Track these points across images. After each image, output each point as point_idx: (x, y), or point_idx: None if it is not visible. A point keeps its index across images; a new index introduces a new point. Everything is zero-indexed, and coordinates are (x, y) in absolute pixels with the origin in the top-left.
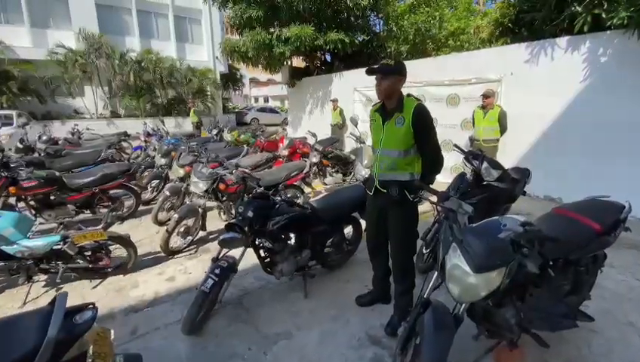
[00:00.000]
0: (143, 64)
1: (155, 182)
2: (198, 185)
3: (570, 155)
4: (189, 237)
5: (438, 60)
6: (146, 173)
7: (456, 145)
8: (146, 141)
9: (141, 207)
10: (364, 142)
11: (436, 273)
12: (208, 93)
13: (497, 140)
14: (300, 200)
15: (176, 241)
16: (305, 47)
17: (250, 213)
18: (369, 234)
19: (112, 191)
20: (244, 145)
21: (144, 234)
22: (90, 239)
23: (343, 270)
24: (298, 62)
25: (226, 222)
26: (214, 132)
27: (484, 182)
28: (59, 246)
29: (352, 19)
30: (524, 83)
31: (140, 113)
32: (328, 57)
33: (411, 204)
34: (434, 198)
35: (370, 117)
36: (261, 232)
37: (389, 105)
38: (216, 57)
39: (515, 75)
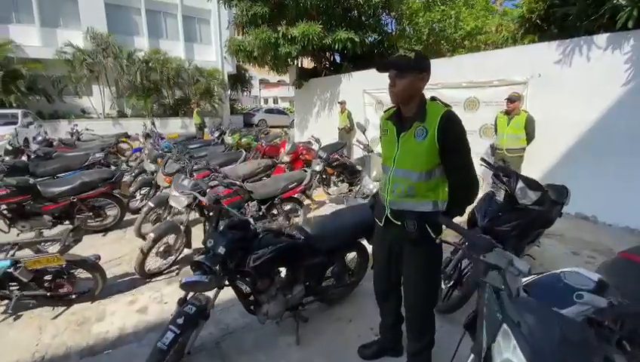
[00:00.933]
0: (150, 64)
1: (145, 190)
2: (179, 200)
3: (606, 168)
4: (171, 258)
5: (455, 60)
6: (139, 179)
7: (483, 159)
8: (145, 143)
9: (129, 216)
10: (372, 151)
11: None
12: (215, 93)
13: (523, 150)
14: (299, 215)
15: (155, 262)
16: (312, 47)
17: (221, 250)
18: (377, 275)
19: (98, 199)
20: (243, 151)
21: (127, 248)
22: (45, 264)
23: (344, 305)
24: (307, 63)
25: (193, 260)
26: (216, 134)
27: (519, 205)
28: (10, 271)
29: (363, 18)
30: (554, 86)
31: (147, 113)
32: (337, 58)
33: (434, 242)
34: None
35: (382, 126)
36: (238, 272)
37: (407, 112)
38: (225, 57)
39: (544, 76)
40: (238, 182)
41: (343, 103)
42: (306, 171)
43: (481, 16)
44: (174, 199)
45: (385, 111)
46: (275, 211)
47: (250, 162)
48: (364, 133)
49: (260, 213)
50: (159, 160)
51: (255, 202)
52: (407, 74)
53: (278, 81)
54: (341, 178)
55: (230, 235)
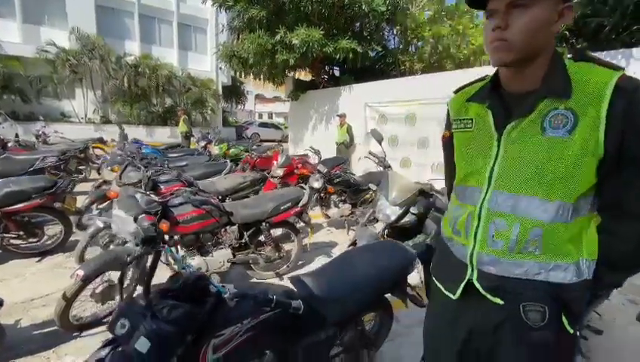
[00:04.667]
0: (139, 69)
1: (105, 204)
2: (124, 225)
3: None
4: (112, 302)
5: (472, 72)
6: (98, 190)
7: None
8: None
9: (78, 237)
10: (389, 167)
11: None
12: (208, 104)
13: None
14: (293, 245)
15: (89, 308)
16: (312, 54)
17: (141, 345)
18: None
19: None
20: (228, 161)
21: (63, 280)
22: None
23: None
24: (304, 75)
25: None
26: (202, 143)
27: None
28: None
29: (367, 29)
30: None
31: (134, 120)
32: (336, 72)
33: (568, 338)
34: None
35: (455, 115)
36: None
37: (522, 82)
38: (220, 68)
39: None
40: (212, 200)
41: (342, 116)
42: (303, 188)
43: None
44: (119, 222)
45: (460, 90)
46: (261, 238)
47: (234, 175)
48: (380, 144)
49: (242, 242)
50: (117, 167)
51: (235, 227)
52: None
53: (274, 97)
54: (343, 197)
55: (164, 314)
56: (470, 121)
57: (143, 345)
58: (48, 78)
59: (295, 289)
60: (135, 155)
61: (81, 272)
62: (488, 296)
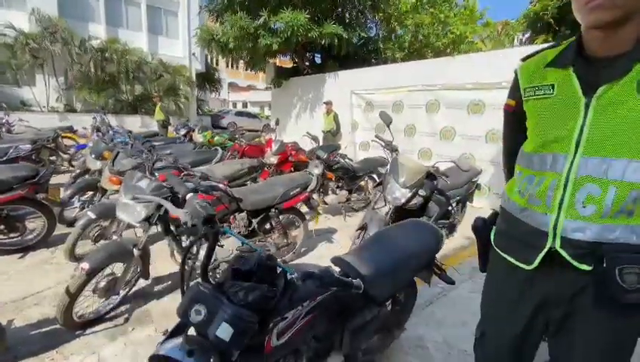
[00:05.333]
0: (106, 54)
1: (88, 195)
2: (133, 210)
3: None
4: (116, 297)
5: (461, 59)
6: (80, 181)
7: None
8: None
9: (63, 230)
10: (396, 150)
11: None
12: (181, 91)
13: None
14: (299, 231)
15: (91, 303)
16: (297, 39)
17: (223, 332)
18: (496, 355)
19: (17, 206)
20: (219, 148)
21: (53, 277)
22: None
23: None
24: (285, 63)
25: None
26: (182, 131)
27: None
28: None
29: (351, 14)
30: None
31: (100, 111)
32: (318, 59)
33: None
34: None
35: (527, 83)
36: (250, 357)
37: (611, 45)
38: (193, 54)
39: None
40: (221, 186)
41: (329, 104)
42: (310, 174)
43: (469, 21)
44: (125, 209)
45: (528, 58)
46: (267, 226)
47: (230, 162)
48: (388, 127)
49: (250, 229)
50: (107, 153)
51: (244, 213)
52: None
53: (248, 86)
54: (340, 184)
55: (240, 297)
56: (550, 87)
57: (225, 331)
58: (6, 63)
59: (339, 270)
60: (128, 142)
61: (86, 265)
62: (574, 263)
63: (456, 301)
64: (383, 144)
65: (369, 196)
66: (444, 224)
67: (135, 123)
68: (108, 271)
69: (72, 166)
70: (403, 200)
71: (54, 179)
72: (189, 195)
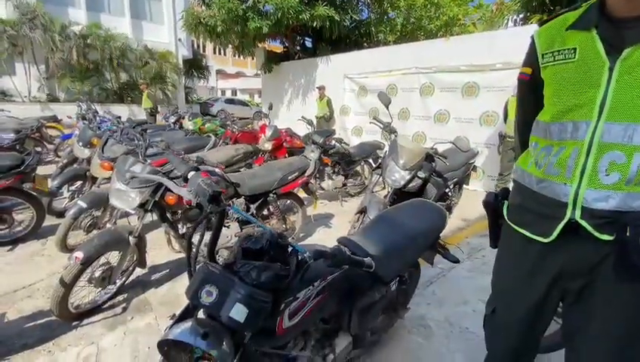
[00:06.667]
0: (89, 40)
1: (76, 184)
2: (127, 197)
3: None
4: (112, 287)
5: (454, 41)
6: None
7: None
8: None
9: (52, 221)
10: (395, 132)
11: None
12: (168, 79)
13: None
14: (297, 216)
15: (87, 293)
16: (287, 22)
17: (237, 313)
18: (505, 326)
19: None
20: (212, 135)
21: (44, 270)
22: None
23: (389, 346)
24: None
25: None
26: (172, 119)
27: None
28: None
29: None
30: None
31: (86, 98)
32: (308, 44)
33: None
34: None
35: (546, 48)
36: (260, 343)
37: (636, 5)
38: (179, 39)
39: None
40: (217, 170)
41: (322, 89)
42: (306, 158)
43: (463, 3)
44: (118, 195)
45: (546, 22)
46: (265, 211)
47: (224, 148)
48: (387, 108)
49: (249, 214)
50: (95, 140)
51: (242, 199)
52: None
53: (237, 73)
54: (336, 169)
55: (253, 277)
56: (572, 51)
57: (239, 312)
58: None
59: (347, 250)
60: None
61: (80, 254)
62: (595, 234)
63: (455, 280)
64: (382, 126)
65: (365, 181)
66: (442, 206)
67: (122, 112)
68: (103, 260)
69: (59, 156)
70: (403, 183)
71: (40, 170)
72: (191, 173)
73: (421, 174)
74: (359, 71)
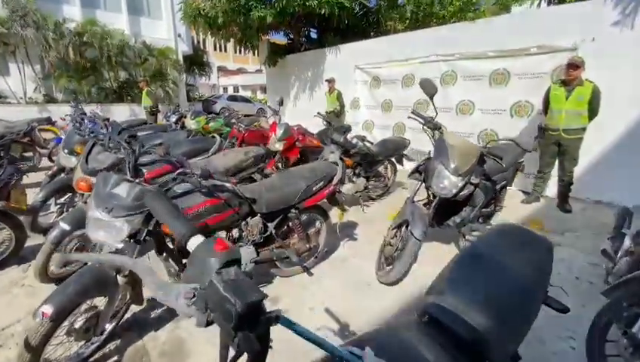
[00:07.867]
0: (85, 38)
1: (65, 197)
2: (111, 228)
3: None
4: (95, 339)
5: (480, 24)
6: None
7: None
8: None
9: (37, 241)
10: (440, 129)
11: None
12: (169, 76)
13: (584, 130)
14: (320, 229)
15: (66, 345)
16: (293, 9)
17: None
18: None
19: None
20: (217, 136)
21: (23, 306)
22: None
23: None
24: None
25: None
26: (173, 118)
27: None
28: None
29: None
30: (611, 53)
31: (84, 98)
32: (314, 34)
33: None
34: None
35: None
36: None
37: None
38: (179, 35)
39: (598, 41)
40: (229, 185)
41: (331, 81)
42: (334, 164)
43: None
44: (98, 226)
45: None
46: (285, 228)
47: (232, 151)
48: (431, 99)
49: (266, 235)
50: (78, 147)
51: (258, 217)
52: None
53: (238, 69)
54: (357, 171)
55: None
56: None
57: None
58: None
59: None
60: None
61: (49, 309)
62: None
63: None
64: (423, 121)
65: (388, 182)
66: (486, 213)
67: (123, 112)
68: (85, 306)
69: (52, 161)
70: (455, 191)
71: (32, 178)
72: (191, 242)
73: (474, 180)
74: (372, 61)
